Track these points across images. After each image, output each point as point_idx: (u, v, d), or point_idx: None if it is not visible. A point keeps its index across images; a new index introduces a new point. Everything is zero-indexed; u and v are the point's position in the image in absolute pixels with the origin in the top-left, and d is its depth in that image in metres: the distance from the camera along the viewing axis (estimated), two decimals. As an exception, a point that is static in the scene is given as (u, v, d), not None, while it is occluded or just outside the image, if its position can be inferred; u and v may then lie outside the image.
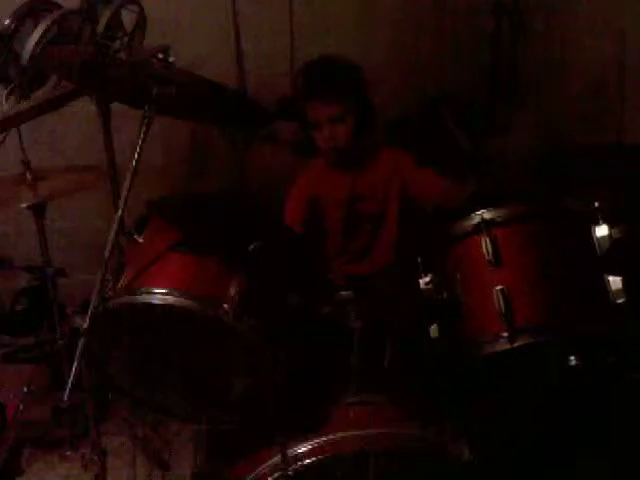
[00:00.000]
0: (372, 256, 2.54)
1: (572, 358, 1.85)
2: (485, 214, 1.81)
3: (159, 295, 1.71)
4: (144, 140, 1.83)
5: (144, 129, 1.84)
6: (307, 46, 3.16)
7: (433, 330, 1.88)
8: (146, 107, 1.84)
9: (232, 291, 1.71)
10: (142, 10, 2.72)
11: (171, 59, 1.86)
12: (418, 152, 2.71)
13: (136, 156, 1.83)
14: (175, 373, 1.86)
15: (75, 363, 1.68)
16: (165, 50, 2.45)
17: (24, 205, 2.24)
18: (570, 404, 2.07)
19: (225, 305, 1.68)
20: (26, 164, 2.30)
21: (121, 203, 1.79)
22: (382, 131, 2.88)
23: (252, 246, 1.75)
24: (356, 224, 2.52)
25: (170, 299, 1.70)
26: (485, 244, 1.79)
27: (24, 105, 2.25)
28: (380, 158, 2.53)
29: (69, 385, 1.68)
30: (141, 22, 2.76)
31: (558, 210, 1.85)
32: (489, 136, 3.49)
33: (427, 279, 1.89)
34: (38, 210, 2.26)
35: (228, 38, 3.08)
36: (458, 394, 1.97)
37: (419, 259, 1.94)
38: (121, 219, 1.77)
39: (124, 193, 1.78)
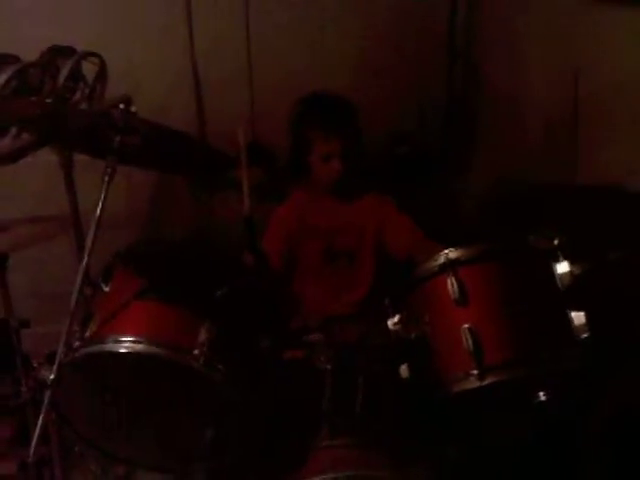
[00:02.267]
0: (347, 294, 2.56)
1: (541, 394, 1.89)
2: (450, 254, 1.84)
3: (127, 343, 1.70)
4: (107, 189, 1.83)
5: (107, 179, 1.84)
6: (266, 95, 3.21)
7: (403, 370, 1.89)
8: (108, 157, 1.85)
9: (201, 337, 1.71)
10: (103, 61, 2.74)
11: (133, 109, 1.87)
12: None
13: (100, 205, 1.83)
14: (144, 422, 1.85)
15: (41, 416, 1.65)
16: (126, 100, 2.47)
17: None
18: (541, 438, 2.09)
19: (195, 351, 1.68)
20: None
21: (85, 253, 1.77)
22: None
23: (219, 292, 1.76)
24: (334, 257, 2.56)
25: (139, 347, 1.69)
26: (451, 283, 1.81)
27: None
28: (365, 196, 2.61)
29: (35, 440, 1.65)
30: (102, 73, 2.77)
31: (521, 248, 1.87)
32: (446, 174, 3.57)
33: (395, 319, 1.91)
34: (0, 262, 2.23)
35: (189, 88, 3.11)
36: (430, 434, 1.97)
37: (387, 300, 1.96)
38: (86, 269, 1.76)
39: (88, 243, 1.77)
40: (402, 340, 1.86)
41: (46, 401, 1.67)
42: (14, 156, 2.26)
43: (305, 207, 2.59)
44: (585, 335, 1.78)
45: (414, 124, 3.53)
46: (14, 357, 2.17)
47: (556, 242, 1.86)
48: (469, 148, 3.58)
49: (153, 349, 1.68)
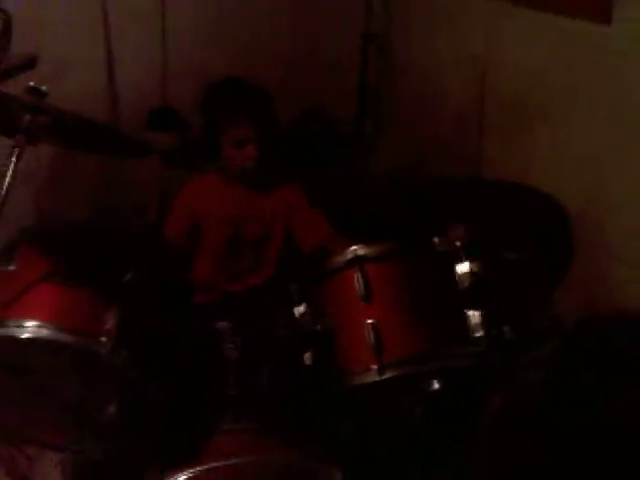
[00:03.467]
0: (249, 277, 2.57)
1: (434, 382, 1.98)
2: (359, 250, 1.88)
3: (31, 328, 1.68)
4: (15, 168, 1.78)
5: (14, 158, 1.80)
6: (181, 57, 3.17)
7: (307, 358, 1.94)
8: (16, 136, 1.80)
9: (108, 324, 1.70)
10: (7, 15, 2.64)
11: (44, 88, 1.83)
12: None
13: (6, 184, 1.78)
14: (46, 403, 1.83)
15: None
16: (32, 59, 2.39)
17: None
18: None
19: (102, 338, 1.67)
20: None
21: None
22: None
23: (126, 276, 1.76)
24: (239, 246, 2.55)
25: (43, 332, 1.67)
26: (357, 279, 1.86)
27: None
28: (276, 186, 2.59)
29: None
30: (6, 28, 2.68)
31: (425, 249, 1.94)
32: (356, 154, 3.63)
33: (302, 309, 1.95)
34: None
35: (98, 41, 3.03)
36: (330, 420, 2.04)
37: (293, 286, 2.00)
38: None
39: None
40: (307, 330, 1.90)
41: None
42: None
43: (212, 192, 2.55)
44: (479, 334, 1.87)
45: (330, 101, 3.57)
46: None
47: (458, 244, 1.94)
48: (378, 132, 3.64)
49: (58, 335, 1.66)
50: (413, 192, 2.99)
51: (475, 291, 1.91)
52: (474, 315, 1.88)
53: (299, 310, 1.95)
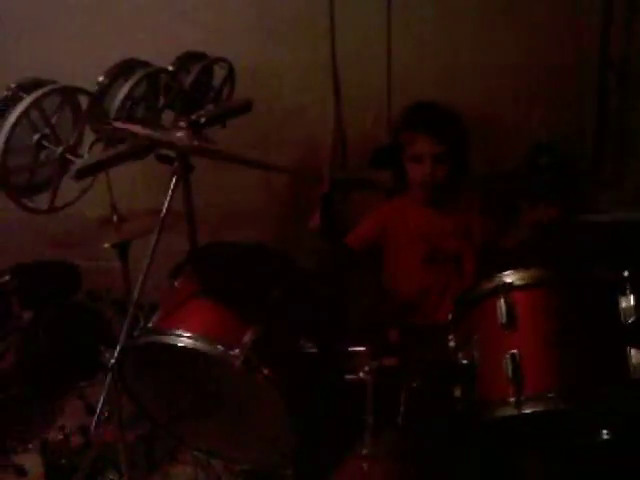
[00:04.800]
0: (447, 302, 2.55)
1: (604, 432, 1.80)
2: (505, 277, 1.80)
3: (183, 338, 1.81)
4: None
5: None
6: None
7: (456, 390, 1.88)
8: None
9: (246, 338, 1.79)
10: (231, 66, 2.91)
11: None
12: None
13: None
14: (198, 410, 1.97)
15: (102, 396, 1.82)
16: (248, 104, 2.58)
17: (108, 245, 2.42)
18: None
19: (236, 350, 1.76)
20: (113, 206, 2.49)
21: (150, 250, 1.91)
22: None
23: (272, 295, 1.84)
24: (438, 260, 2.59)
25: (187, 342, 1.79)
26: (500, 307, 1.77)
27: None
28: (461, 199, 2.63)
29: (96, 417, 1.82)
30: (230, 77, 2.95)
31: (583, 277, 1.79)
32: (597, 189, 3.40)
33: (450, 339, 1.90)
34: (122, 248, 2.44)
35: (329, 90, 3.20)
36: (469, 456, 1.94)
37: (450, 314, 1.96)
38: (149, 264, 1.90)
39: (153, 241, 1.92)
40: (451, 360, 1.85)
41: (107, 382, 1.84)
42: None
43: (405, 212, 2.63)
44: (640, 376, 1.68)
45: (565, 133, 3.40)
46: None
47: (625, 274, 1.76)
48: (620, 163, 3.39)
49: (197, 344, 1.78)
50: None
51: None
52: (637, 354, 1.70)
53: (450, 341, 1.91)
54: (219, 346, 1.77)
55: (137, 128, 2.04)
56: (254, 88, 3.09)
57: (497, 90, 3.26)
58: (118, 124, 2.21)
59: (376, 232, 2.65)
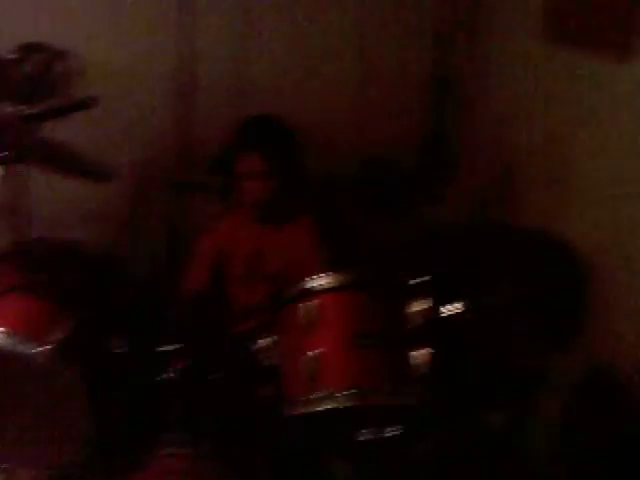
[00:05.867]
0: None
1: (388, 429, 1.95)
2: (306, 282, 1.91)
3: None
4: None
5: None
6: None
7: (264, 390, 1.99)
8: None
9: (56, 335, 1.81)
10: (78, 59, 2.88)
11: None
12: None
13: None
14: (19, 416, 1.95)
15: None
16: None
17: None
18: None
19: (43, 347, 1.78)
20: None
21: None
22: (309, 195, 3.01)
23: (85, 292, 1.88)
24: (255, 282, 2.57)
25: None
26: (301, 310, 1.88)
27: None
28: (295, 223, 2.59)
29: None
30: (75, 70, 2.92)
31: (379, 283, 1.93)
32: (422, 204, 3.58)
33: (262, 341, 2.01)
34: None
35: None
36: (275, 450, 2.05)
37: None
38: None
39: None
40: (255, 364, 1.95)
41: None
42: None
43: (233, 232, 2.60)
44: (424, 372, 1.84)
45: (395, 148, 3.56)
46: None
47: (417, 281, 1.92)
48: (445, 180, 3.59)
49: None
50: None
51: (427, 330, 1.89)
52: (421, 354, 1.86)
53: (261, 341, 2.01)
54: (23, 344, 1.79)
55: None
56: (104, 85, 3.06)
57: (335, 104, 3.40)
58: None
59: (214, 261, 2.61)
